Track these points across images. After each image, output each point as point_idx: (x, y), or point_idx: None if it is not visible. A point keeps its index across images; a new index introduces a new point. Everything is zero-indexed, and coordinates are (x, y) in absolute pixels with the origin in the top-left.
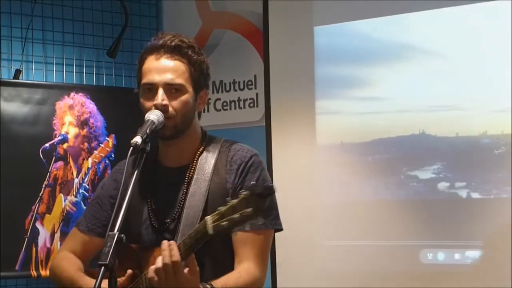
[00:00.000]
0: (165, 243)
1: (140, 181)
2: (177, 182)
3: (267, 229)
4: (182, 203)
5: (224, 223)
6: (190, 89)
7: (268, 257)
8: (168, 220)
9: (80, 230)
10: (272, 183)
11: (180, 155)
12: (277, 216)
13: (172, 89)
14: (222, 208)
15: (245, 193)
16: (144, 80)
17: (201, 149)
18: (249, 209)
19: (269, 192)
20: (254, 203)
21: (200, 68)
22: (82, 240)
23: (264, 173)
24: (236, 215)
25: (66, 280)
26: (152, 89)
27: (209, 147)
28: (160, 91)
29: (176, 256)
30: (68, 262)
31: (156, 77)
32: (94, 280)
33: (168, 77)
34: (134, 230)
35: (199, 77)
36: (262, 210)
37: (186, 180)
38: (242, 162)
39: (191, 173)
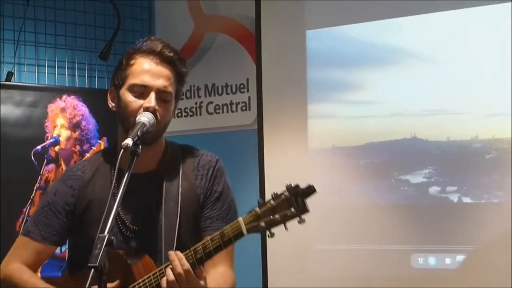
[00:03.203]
0: (172, 254)
1: (104, 187)
2: (145, 188)
3: None
4: (157, 209)
5: (262, 224)
6: (173, 99)
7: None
8: (137, 227)
9: (33, 238)
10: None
11: (147, 161)
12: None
13: (162, 96)
14: (258, 210)
15: (286, 194)
16: (136, 81)
17: (164, 155)
18: (291, 209)
19: (312, 191)
20: (298, 203)
21: (183, 81)
22: (35, 249)
23: (226, 177)
24: (277, 216)
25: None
26: (143, 91)
27: (171, 153)
28: (153, 95)
29: (186, 264)
30: (31, 276)
31: (150, 81)
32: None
33: (161, 83)
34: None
35: (180, 90)
36: (306, 209)
37: (155, 187)
38: (210, 167)
39: (159, 179)
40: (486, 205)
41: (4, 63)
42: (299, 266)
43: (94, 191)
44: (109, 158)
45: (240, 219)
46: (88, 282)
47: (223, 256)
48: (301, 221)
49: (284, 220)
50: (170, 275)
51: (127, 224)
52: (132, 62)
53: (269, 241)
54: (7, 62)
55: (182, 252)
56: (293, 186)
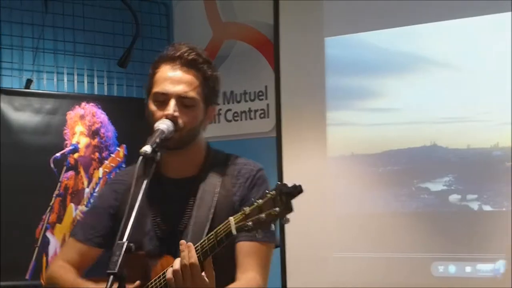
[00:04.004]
0: (183, 243)
1: (143, 191)
2: (182, 193)
3: (269, 243)
4: (188, 214)
5: (249, 223)
6: (201, 104)
7: (268, 270)
8: (173, 231)
9: (77, 240)
10: None
11: (183, 166)
12: (276, 232)
13: (184, 102)
14: (247, 209)
15: (272, 192)
16: (157, 89)
17: (205, 162)
18: (276, 209)
19: (299, 191)
20: (282, 202)
21: (212, 84)
22: (79, 250)
23: (269, 187)
24: (262, 215)
25: (66, 285)
26: (164, 99)
27: (213, 160)
28: (172, 102)
29: (194, 257)
30: (66, 271)
31: (170, 88)
32: (95, 285)
33: (182, 89)
34: (134, 240)
35: (210, 93)
36: (290, 209)
37: (192, 192)
38: (249, 176)
39: (197, 185)
40: (506, 213)
41: (23, 70)
42: (318, 273)
43: (134, 196)
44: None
45: (231, 218)
46: None
47: (252, 263)
48: (285, 221)
49: (269, 219)
50: (176, 264)
51: (162, 228)
52: (156, 71)
53: (287, 247)
54: (26, 70)
55: None
56: (280, 184)
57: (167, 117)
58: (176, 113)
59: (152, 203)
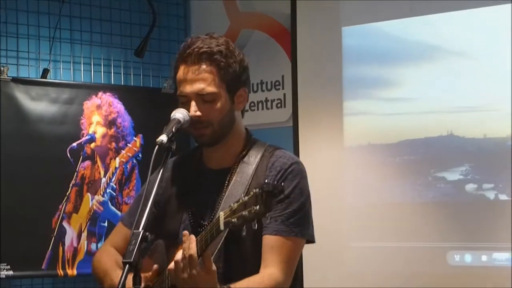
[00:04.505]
0: (186, 234)
1: (183, 181)
2: (218, 184)
3: (297, 237)
4: (219, 205)
5: (234, 219)
6: (223, 94)
7: (295, 266)
8: (206, 222)
9: (124, 224)
10: (309, 192)
11: (222, 157)
12: (309, 227)
13: (204, 98)
14: (234, 205)
15: (255, 190)
16: (179, 92)
17: (243, 152)
18: (256, 206)
19: (279, 190)
20: (263, 200)
21: (233, 69)
22: (125, 234)
23: (302, 182)
24: (245, 212)
25: (101, 272)
26: (186, 100)
27: (252, 151)
28: (193, 103)
29: (193, 250)
30: (107, 255)
31: (187, 88)
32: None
33: (198, 87)
34: (171, 229)
35: (233, 79)
36: (270, 208)
37: (223, 183)
38: (281, 169)
39: (232, 176)
40: None
41: (40, 60)
42: (334, 263)
43: (174, 186)
44: (195, 154)
45: (221, 213)
46: (122, 277)
47: (274, 258)
48: (259, 218)
49: (251, 216)
50: (178, 255)
51: (196, 218)
52: (176, 71)
53: None
54: (43, 59)
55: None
56: (265, 183)
57: (193, 118)
58: (198, 113)
59: (189, 193)
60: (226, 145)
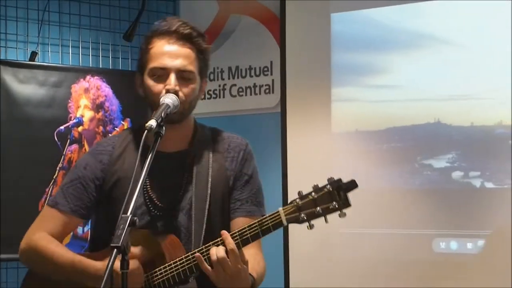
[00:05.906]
0: (225, 232)
1: (132, 165)
2: (176, 167)
3: (262, 215)
4: (186, 189)
5: (303, 215)
6: (197, 77)
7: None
8: (167, 206)
9: (61, 211)
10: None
11: (177, 141)
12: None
13: (183, 76)
14: (299, 201)
15: (329, 187)
16: (155, 64)
17: (194, 135)
18: (334, 203)
19: (354, 186)
20: (341, 198)
21: (206, 58)
22: (63, 221)
23: (255, 161)
24: (318, 209)
25: (64, 261)
26: (162, 73)
27: (201, 134)
28: (173, 76)
29: (232, 243)
30: (49, 241)
31: (169, 62)
32: (98, 262)
33: (180, 63)
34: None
35: (205, 66)
36: (349, 204)
37: (185, 167)
38: (240, 150)
39: (190, 159)
40: (508, 190)
41: (28, 42)
42: (322, 249)
43: (122, 168)
44: (138, 136)
45: (280, 209)
46: (110, 262)
47: None
48: (342, 215)
49: (325, 213)
50: (221, 252)
51: (156, 203)
52: (150, 46)
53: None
54: (31, 42)
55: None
56: (335, 180)
57: (168, 91)
58: (177, 87)
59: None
60: (180, 128)
